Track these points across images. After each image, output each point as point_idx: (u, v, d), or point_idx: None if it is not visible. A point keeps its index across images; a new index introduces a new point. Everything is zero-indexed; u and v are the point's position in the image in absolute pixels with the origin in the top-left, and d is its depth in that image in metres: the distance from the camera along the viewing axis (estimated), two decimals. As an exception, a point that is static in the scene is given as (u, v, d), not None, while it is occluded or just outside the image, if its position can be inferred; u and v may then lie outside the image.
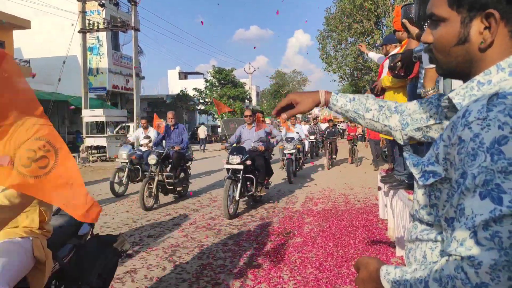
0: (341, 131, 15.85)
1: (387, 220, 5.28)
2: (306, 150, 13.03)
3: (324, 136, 13.42)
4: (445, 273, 0.73)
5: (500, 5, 0.77)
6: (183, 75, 51.14)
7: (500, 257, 0.67)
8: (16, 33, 21.70)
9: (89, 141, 16.40)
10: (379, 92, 4.10)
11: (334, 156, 13.28)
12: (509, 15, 0.77)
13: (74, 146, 17.96)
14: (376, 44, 18.16)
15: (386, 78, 3.88)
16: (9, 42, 21.25)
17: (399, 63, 3.28)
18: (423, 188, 0.85)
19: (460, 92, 0.84)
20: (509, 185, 0.68)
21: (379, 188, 5.17)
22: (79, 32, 17.81)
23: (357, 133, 14.56)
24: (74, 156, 8.72)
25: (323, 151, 13.94)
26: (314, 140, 15.38)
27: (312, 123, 16.58)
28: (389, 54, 3.44)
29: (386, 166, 9.28)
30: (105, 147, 16.45)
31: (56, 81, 17.07)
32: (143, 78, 25.25)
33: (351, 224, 5.31)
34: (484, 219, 0.69)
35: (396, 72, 3.33)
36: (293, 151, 9.91)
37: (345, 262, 3.86)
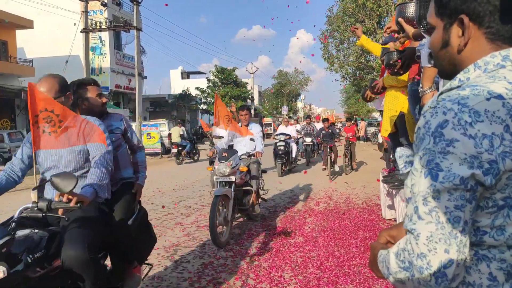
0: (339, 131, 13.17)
1: (389, 219, 5.28)
2: (293, 156, 11.42)
3: (320, 138, 10.87)
4: (401, 247, 0.81)
5: (469, 10, 0.84)
6: (186, 75, 51.15)
7: (437, 230, 0.74)
8: (19, 33, 21.77)
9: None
10: (379, 91, 4.07)
11: (337, 165, 10.59)
12: (479, 19, 0.84)
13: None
14: (381, 43, 18.10)
15: (390, 77, 3.85)
16: (12, 41, 21.32)
17: (397, 63, 3.25)
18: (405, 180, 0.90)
19: (443, 90, 0.89)
20: (446, 163, 0.74)
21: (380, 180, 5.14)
22: (81, 32, 17.84)
23: (356, 134, 12.24)
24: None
25: (323, 157, 11.59)
26: (311, 143, 13.25)
27: (305, 122, 14.44)
28: (385, 52, 3.41)
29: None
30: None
31: (58, 80, 17.09)
32: (146, 77, 25.28)
33: (352, 223, 5.30)
34: (423, 195, 0.76)
35: (396, 70, 3.31)
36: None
37: (346, 261, 3.86)
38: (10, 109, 20.62)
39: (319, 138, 11.05)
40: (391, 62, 3.27)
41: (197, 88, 34.03)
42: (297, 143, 12.77)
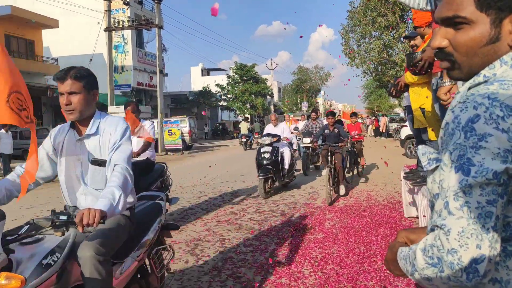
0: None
1: (411, 217, 5.19)
2: (286, 166, 7.57)
3: (320, 140, 7.70)
4: (428, 243, 0.79)
5: None
6: (206, 72, 51.55)
7: (468, 225, 0.73)
8: (45, 32, 22.45)
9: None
10: (403, 89, 4.02)
11: (342, 187, 7.12)
12: None
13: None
14: (401, 38, 17.69)
15: (409, 75, 3.80)
16: (38, 41, 22.01)
17: (420, 63, 3.20)
18: (430, 175, 0.89)
19: (471, 85, 0.86)
20: (478, 158, 0.73)
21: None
22: (104, 30, 18.23)
23: (364, 133, 9.84)
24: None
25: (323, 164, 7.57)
26: (310, 145, 9.27)
27: (310, 118, 11.02)
28: (407, 53, 3.37)
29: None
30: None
31: (83, 78, 17.53)
32: (167, 75, 25.64)
33: (373, 220, 5.25)
34: (454, 190, 0.75)
35: (417, 71, 3.26)
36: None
37: (366, 258, 3.83)
38: (37, 106, 21.30)
39: (316, 142, 7.70)
40: (411, 64, 3.23)
41: (217, 85, 34.25)
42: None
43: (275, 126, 8.47)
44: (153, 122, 6.42)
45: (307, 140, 9.68)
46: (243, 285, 3.32)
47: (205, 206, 6.55)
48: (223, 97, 34.83)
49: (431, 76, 3.43)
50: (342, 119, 12.28)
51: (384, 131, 26.14)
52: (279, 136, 7.75)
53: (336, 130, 7.31)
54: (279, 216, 5.72)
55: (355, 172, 9.31)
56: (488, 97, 0.75)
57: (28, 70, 19.89)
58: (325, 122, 8.56)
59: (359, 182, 8.64)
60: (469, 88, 0.83)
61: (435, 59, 2.70)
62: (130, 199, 2.16)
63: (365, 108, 57.12)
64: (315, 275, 3.50)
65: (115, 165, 1.97)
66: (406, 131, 13.26)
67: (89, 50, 18.74)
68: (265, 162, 7.25)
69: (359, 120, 12.16)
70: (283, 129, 8.43)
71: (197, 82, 45.67)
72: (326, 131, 7.43)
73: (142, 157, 4.85)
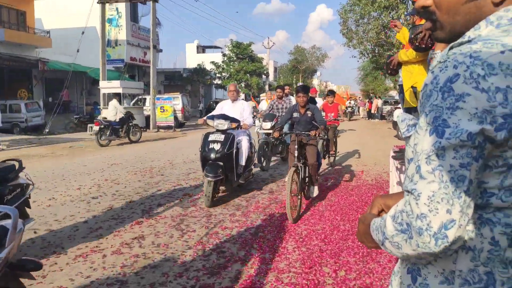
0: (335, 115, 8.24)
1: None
2: (242, 161, 5.51)
3: (288, 126, 5.90)
4: (398, 209, 0.76)
5: None
6: (201, 49, 50.80)
7: (439, 190, 0.69)
8: (36, 3, 21.83)
9: (106, 113, 16.57)
10: (395, 67, 3.96)
11: (316, 187, 5.23)
12: None
13: (92, 117, 18.20)
14: (406, 14, 17.41)
15: (403, 52, 3.73)
16: (30, 12, 21.42)
17: (420, 34, 3.14)
18: (408, 143, 0.85)
19: (454, 45, 0.81)
20: (454, 119, 0.70)
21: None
22: (98, 3, 17.75)
23: (339, 117, 8.24)
24: (90, 127, 8.65)
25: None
26: (270, 133, 7.08)
27: (275, 96, 8.11)
28: (410, 27, 3.29)
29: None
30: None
31: (75, 52, 17.19)
32: (161, 50, 25.24)
33: (360, 199, 5.27)
34: (427, 153, 0.72)
35: (417, 44, 3.19)
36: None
37: (350, 235, 3.85)
38: (28, 79, 20.94)
39: (278, 131, 5.22)
40: (412, 36, 3.16)
41: (212, 63, 33.81)
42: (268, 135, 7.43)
43: (233, 101, 5.98)
44: None
45: (267, 125, 7.40)
46: (226, 259, 3.33)
47: (194, 182, 6.53)
48: (217, 75, 34.45)
49: (427, 55, 3.37)
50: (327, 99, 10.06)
51: (376, 112, 26.17)
52: (238, 122, 5.53)
53: (309, 113, 5.16)
54: (267, 193, 5.73)
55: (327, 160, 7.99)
56: (470, 55, 0.71)
57: (20, 42, 19.42)
58: (294, 101, 6.54)
59: (349, 162, 8.65)
60: (451, 48, 0.78)
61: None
62: None
63: (361, 90, 56.92)
64: (298, 250, 3.52)
65: None
66: (398, 113, 13.30)
67: (81, 23, 18.26)
68: (213, 155, 5.11)
69: (350, 103, 11.53)
70: (243, 108, 5.87)
71: (192, 59, 45.00)
72: (295, 114, 5.26)
73: None
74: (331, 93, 6.96)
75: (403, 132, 0.87)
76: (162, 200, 5.36)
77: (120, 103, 14.15)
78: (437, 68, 0.74)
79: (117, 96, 13.78)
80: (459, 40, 0.79)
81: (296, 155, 4.76)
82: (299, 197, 4.61)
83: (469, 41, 0.76)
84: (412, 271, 0.82)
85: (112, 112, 12.60)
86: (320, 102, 9.43)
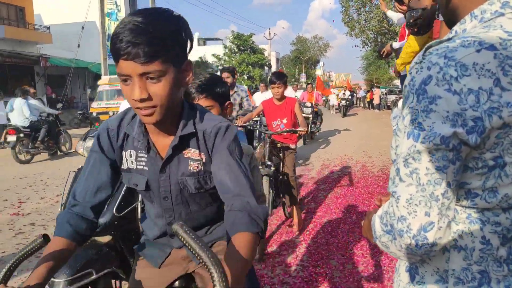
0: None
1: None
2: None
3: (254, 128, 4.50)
4: (384, 209, 0.78)
5: None
6: (202, 41, 50.53)
7: (417, 192, 0.70)
8: (35, -1, 21.75)
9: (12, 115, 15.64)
10: (386, 55, 3.93)
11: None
12: None
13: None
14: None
15: (399, 60, 3.50)
16: (29, 8, 21.34)
17: (419, 20, 3.07)
18: (391, 144, 0.87)
19: (432, 43, 0.82)
20: (428, 122, 0.69)
21: None
22: (96, -4, 17.64)
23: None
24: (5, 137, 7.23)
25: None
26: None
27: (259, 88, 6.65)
28: (408, 10, 3.20)
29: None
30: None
31: (75, 47, 17.14)
32: (162, 44, 25.06)
33: (366, 191, 5.25)
34: (404, 157, 0.72)
35: (416, 30, 3.12)
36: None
37: (357, 228, 3.84)
38: (30, 76, 20.94)
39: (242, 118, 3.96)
40: (411, 20, 3.09)
41: (213, 55, 33.67)
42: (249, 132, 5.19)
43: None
44: None
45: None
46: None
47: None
48: (219, 67, 34.32)
49: (427, 42, 3.28)
50: (317, 90, 10.85)
51: (378, 103, 25.83)
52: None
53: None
54: (272, 186, 5.72)
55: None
56: (445, 55, 0.70)
57: (20, 39, 19.38)
58: (244, 92, 5.04)
59: (354, 154, 8.60)
60: (429, 47, 0.77)
61: (436, 17, 2.58)
62: None
63: (364, 79, 56.56)
64: (305, 243, 3.51)
65: None
66: (395, 109, 13.22)
67: (81, 18, 18.18)
68: None
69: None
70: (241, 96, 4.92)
71: (193, 51, 44.60)
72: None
73: None
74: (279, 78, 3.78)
75: (394, 130, 0.87)
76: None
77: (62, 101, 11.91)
78: (414, 69, 0.74)
79: (26, 93, 8.51)
80: (439, 39, 0.79)
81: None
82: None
83: (449, 39, 0.75)
84: (410, 269, 0.84)
85: (18, 115, 8.24)
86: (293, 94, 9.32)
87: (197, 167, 1.13)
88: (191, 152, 1.13)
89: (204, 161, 1.14)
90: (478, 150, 0.70)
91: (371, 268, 3.01)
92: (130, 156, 1.15)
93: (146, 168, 1.15)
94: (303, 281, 2.83)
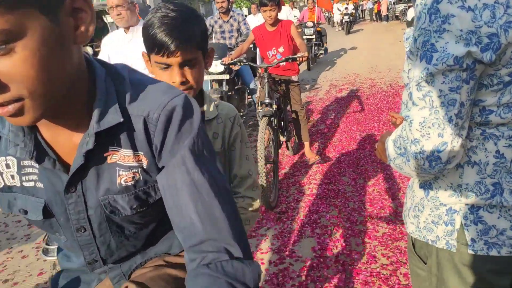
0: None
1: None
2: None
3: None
4: (397, 133, 0.80)
5: None
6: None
7: (430, 115, 0.71)
8: None
9: None
10: None
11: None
12: None
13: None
14: None
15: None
16: None
17: None
18: (403, 68, 0.85)
19: None
20: (441, 43, 0.67)
21: None
22: None
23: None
24: None
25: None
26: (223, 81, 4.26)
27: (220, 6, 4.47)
28: None
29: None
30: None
31: None
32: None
33: (376, 108, 5.24)
34: (417, 80, 0.71)
35: None
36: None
37: (367, 144, 3.92)
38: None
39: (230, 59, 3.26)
40: None
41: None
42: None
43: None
44: None
45: (217, 67, 4.16)
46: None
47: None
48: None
49: None
50: (318, 7, 9.54)
51: (386, 13, 24.45)
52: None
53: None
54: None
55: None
56: None
57: None
58: (241, 16, 4.64)
59: (363, 70, 8.41)
60: None
61: None
62: None
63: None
64: (317, 163, 3.62)
65: None
66: (412, 12, 12.47)
67: None
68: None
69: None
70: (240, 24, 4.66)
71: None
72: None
73: None
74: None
75: (406, 51, 0.84)
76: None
77: None
78: None
79: None
80: None
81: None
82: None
83: None
84: (424, 185, 0.87)
85: None
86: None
87: (132, 178, 0.68)
88: (121, 155, 0.66)
89: (145, 165, 0.68)
90: (494, 67, 0.69)
91: (382, 181, 3.13)
92: (7, 166, 0.68)
93: (40, 185, 0.68)
94: (317, 198, 2.97)
